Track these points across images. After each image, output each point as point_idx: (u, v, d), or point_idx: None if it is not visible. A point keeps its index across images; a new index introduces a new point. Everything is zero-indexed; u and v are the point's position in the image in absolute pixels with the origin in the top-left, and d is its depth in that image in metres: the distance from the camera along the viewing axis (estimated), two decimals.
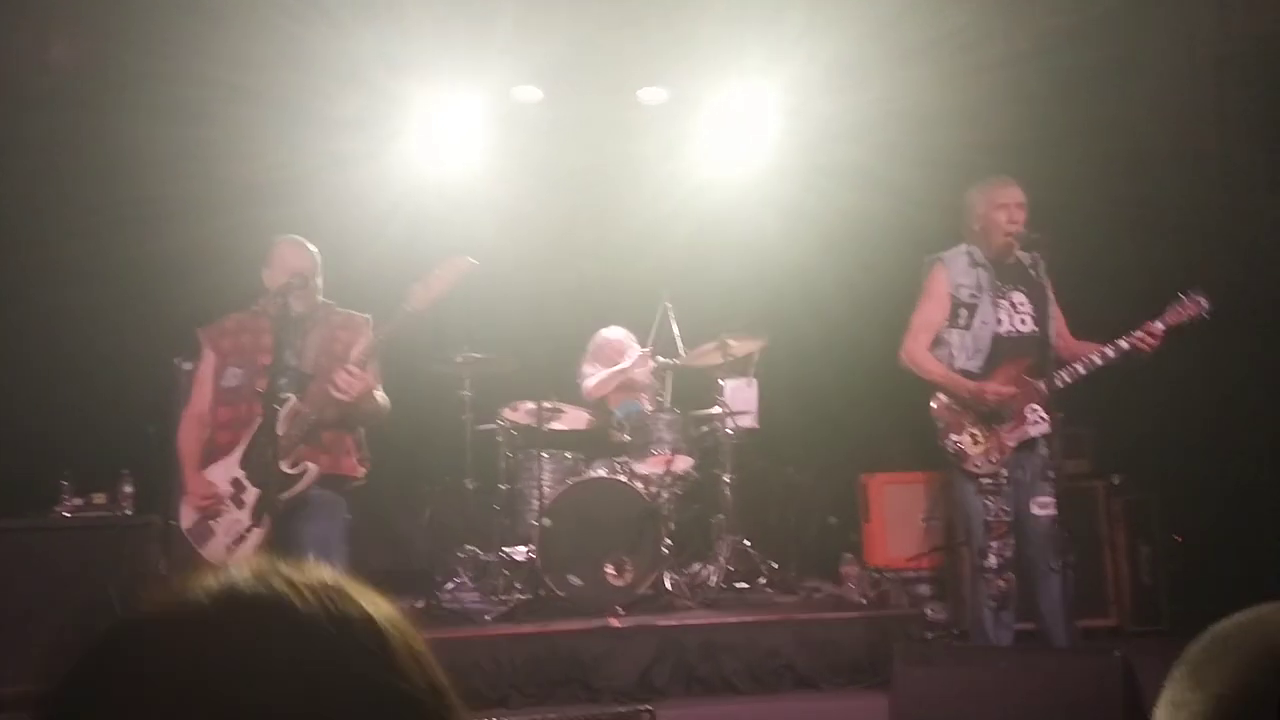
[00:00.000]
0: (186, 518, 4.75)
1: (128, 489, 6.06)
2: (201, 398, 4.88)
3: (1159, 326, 4.82)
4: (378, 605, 0.83)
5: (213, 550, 4.65)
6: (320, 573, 0.83)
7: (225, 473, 4.72)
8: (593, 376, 7.14)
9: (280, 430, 4.55)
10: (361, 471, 4.91)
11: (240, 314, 4.90)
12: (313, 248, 4.91)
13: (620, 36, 6.05)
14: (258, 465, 4.63)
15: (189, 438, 4.86)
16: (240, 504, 4.66)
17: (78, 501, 5.99)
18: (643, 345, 7.18)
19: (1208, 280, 6.03)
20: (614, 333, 7.30)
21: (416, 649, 0.83)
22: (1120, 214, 6.56)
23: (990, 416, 4.86)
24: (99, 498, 6.04)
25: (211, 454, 4.77)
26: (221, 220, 6.16)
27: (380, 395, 4.82)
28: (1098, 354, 4.83)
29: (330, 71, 5.92)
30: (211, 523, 4.68)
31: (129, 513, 6.01)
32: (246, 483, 4.65)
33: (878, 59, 5.92)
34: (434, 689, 0.81)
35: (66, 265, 6.23)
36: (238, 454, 4.69)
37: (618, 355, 7.18)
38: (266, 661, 0.75)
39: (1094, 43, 5.90)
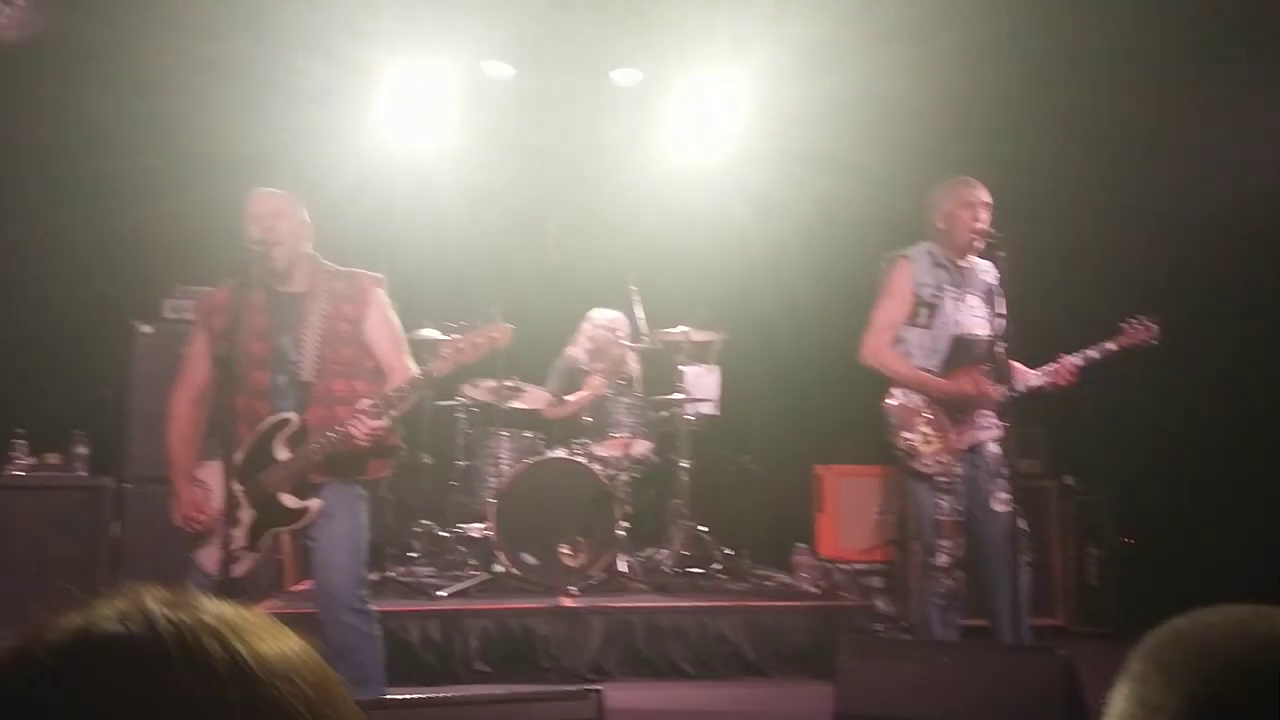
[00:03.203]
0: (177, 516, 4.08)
1: (82, 450, 6.04)
2: (196, 376, 4.12)
3: (1110, 347, 4.85)
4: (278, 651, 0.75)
5: (204, 559, 3.96)
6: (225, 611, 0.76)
7: (223, 478, 3.95)
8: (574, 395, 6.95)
9: (281, 456, 3.97)
10: (387, 470, 4.40)
11: (234, 283, 3.99)
12: (284, 193, 4.17)
13: (588, 17, 6.00)
14: (255, 488, 3.96)
15: (182, 428, 4.09)
16: (235, 521, 3.93)
17: (31, 461, 5.97)
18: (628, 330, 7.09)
19: (1170, 270, 6.07)
20: (606, 315, 7.03)
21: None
22: (1092, 200, 6.55)
23: (962, 410, 4.84)
24: (53, 458, 6.02)
25: (209, 447, 4.05)
26: (187, 194, 6.08)
27: (412, 366, 4.11)
28: (1048, 373, 4.83)
29: (295, 41, 5.84)
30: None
31: (83, 474, 6.00)
32: (243, 499, 3.95)
33: (848, 45, 5.87)
34: None
35: (26, 234, 6.15)
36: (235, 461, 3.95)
37: (609, 342, 7.04)
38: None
39: (1069, 28, 5.86)
